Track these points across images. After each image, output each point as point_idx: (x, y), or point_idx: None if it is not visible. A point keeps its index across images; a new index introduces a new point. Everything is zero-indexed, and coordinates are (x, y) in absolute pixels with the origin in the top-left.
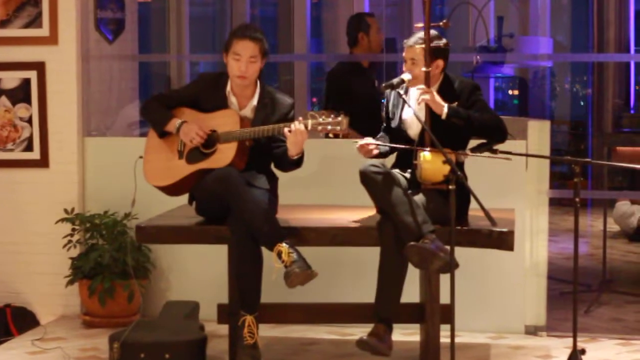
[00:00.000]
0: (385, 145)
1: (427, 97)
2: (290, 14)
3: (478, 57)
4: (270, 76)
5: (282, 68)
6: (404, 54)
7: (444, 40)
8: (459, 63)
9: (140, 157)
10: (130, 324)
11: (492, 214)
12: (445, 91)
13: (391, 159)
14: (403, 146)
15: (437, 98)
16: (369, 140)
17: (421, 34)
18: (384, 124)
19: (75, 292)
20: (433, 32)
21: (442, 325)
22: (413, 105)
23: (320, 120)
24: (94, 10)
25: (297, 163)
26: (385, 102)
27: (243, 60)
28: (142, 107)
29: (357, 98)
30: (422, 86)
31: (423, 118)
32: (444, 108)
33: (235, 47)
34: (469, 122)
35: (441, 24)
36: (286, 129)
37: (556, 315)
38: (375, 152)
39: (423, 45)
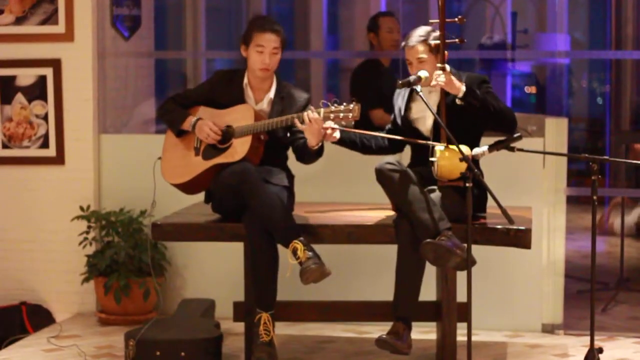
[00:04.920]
0: (347, 131)
1: (442, 80)
2: (307, 11)
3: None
4: (287, 73)
5: (299, 65)
6: (407, 57)
7: (437, 33)
8: (474, 60)
9: (159, 158)
10: (146, 322)
11: (509, 211)
12: None
13: (406, 157)
14: (368, 132)
15: (454, 79)
16: (330, 124)
17: (418, 31)
18: (389, 126)
19: (91, 289)
20: (426, 27)
21: (459, 323)
22: (430, 103)
23: (332, 108)
24: (110, 7)
25: (319, 153)
26: (395, 100)
27: (266, 53)
28: (158, 109)
29: (381, 97)
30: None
31: (437, 114)
32: (461, 88)
33: (258, 40)
34: (485, 105)
35: (456, 20)
36: (297, 121)
37: (573, 313)
38: (336, 136)
39: (426, 42)
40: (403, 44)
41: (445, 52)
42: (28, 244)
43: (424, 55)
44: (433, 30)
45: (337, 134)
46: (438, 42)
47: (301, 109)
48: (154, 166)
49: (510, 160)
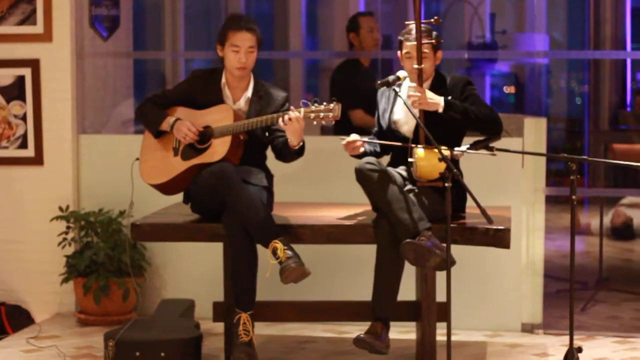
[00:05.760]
0: (373, 143)
1: (417, 99)
2: (286, 11)
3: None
4: (266, 73)
5: (278, 65)
6: (405, 51)
7: (434, 33)
8: (454, 60)
9: (137, 158)
10: (126, 322)
11: (488, 211)
12: (439, 86)
13: (386, 157)
14: (392, 142)
15: (431, 95)
16: (355, 137)
17: (423, 29)
18: (376, 128)
19: (70, 290)
20: (427, 26)
21: (439, 323)
22: (409, 103)
23: (313, 107)
24: (88, 7)
25: (299, 152)
26: (377, 103)
27: (242, 52)
28: (136, 110)
29: (360, 97)
30: (414, 84)
31: (417, 114)
32: (439, 103)
33: (233, 39)
34: (466, 115)
35: (432, 20)
36: (280, 121)
37: (553, 313)
38: (362, 149)
39: (425, 41)
40: (400, 38)
41: (440, 51)
42: (7, 244)
43: (427, 50)
44: (433, 30)
45: (362, 149)
46: (433, 42)
47: (279, 108)
48: (132, 167)
49: (490, 160)
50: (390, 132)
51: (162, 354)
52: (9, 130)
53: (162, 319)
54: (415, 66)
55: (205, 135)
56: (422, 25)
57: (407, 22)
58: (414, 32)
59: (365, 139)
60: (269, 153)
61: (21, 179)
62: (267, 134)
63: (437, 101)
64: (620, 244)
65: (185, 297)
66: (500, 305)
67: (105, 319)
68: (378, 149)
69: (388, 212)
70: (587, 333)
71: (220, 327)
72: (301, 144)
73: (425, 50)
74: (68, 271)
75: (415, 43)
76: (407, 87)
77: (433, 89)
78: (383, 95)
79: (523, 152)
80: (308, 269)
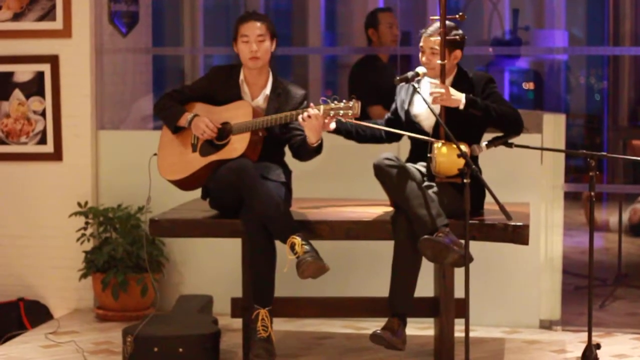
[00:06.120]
0: (348, 122)
1: (438, 95)
2: (305, 7)
3: (490, 49)
4: (285, 69)
5: (296, 61)
6: (421, 44)
7: (460, 31)
8: (473, 56)
9: (155, 154)
10: (144, 318)
11: (507, 208)
12: (460, 83)
13: (405, 152)
14: (372, 125)
15: (453, 91)
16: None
17: (438, 24)
18: (389, 115)
19: (89, 285)
20: (450, 23)
21: (457, 319)
22: (427, 99)
23: (333, 105)
24: (107, 3)
25: (317, 150)
26: (396, 96)
27: (252, 41)
28: (155, 105)
29: (379, 93)
30: (436, 81)
31: (437, 111)
32: (461, 100)
33: (242, 30)
34: (487, 113)
35: (457, 16)
36: (300, 118)
37: (571, 309)
38: (332, 126)
39: (435, 38)
40: (422, 31)
41: (458, 50)
42: (26, 240)
43: (438, 47)
44: (455, 28)
45: (333, 125)
46: (456, 38)
47: (298, 106)
48: (149, 161)
49: (508, 157)
50: (412, 125)
51: (180, 350)
52: (28, 126)
53: (180, 315)
54: (438, 62)
55: (224, 132)
56: (440, 21)
57: (432, 18)
58: (430, 28)
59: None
60: (287, 149)
61: (40, 175)
62: (283, 131)
63: (459, 98)
64: (639, 240)
65: (203, 293)
66: (519, 302)
67: (123, 314)
68: (353, 130)
69: (406, 208)
70: (606, 330)
71: (238, 323)
72: (320, 141)
73: (435, 47)
74: (87, 267)
75: (430, 37)
76: (426, 83)
77: (454, 85)
78: (402, 88)
79: (542, 149)
80: (327, 264)
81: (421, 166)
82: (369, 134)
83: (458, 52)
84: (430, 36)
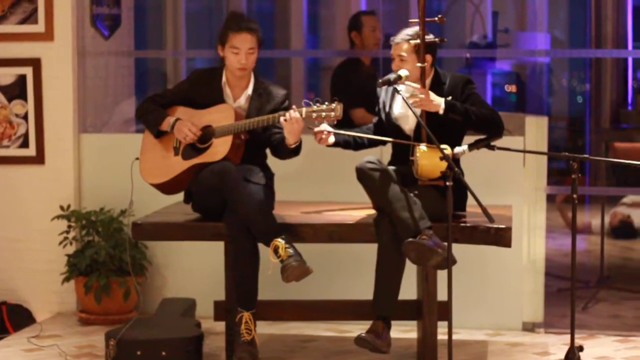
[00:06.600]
0: (340, 133)
1: (418, 100)
2: (287, 10)
3: (468, 54)
4: (267, 71)
5: (279, 63)
6: (391, 52)
7: (431, 35)
8: (454, 59)
9: (137, 158)
10: (127, 321)
11: (489, 210)
12: (437, 86)
13: (387, 156)
14: (364, 135)
15: (433, 96)
16: (325, 127)
17: (408, 30)
18: (375, 119)
19: (71, 289)
20: (415, 28)
21: (440, 322)
22: (410, 102)
23: (315, 107)
24: (89, 6)
25: (295, 151)
26: (379, 93)
27: (242, 53)
28: (137, 109)
29: (362, 96)
30: (417, 85)
31: (418, 113)
32: (440, 104)
33: (233, 41)
34: (467, 117)
35: (436, 19)
36: (282, 118)
37: (554, 312)
38: (331, 140)
39: (410, 41)
40: (391, 39)
41: (429, 54)
42: (8, 243)
43: (405, 54)
44: (426, 32)
45: (332, 139)
46: (418, 41)
47: (279, 105)
48: (132, 165)
49: (491, 159)
50: (393, 127)
51: (163, 353)
52: (10, 130)
53: (163, 318)
54: (418, 64)
55: (206, 135)
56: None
57: (410, 21)
58: (398, 35)
59: (330, 129)
60: (269, 151)
61: (22, 178)
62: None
63: (439, 102)
64: (621, 242)
65: (186, 296)
66: (502, 304)
67: (106, 318)
68: (351, 140)
69: (389, 211)
70: (589, 332)
71: (221, 326)
72: (298, 143)
73: (402, 53)
74: (69, 270)
75: (397, 45)
76: (406, 86)
77: (432, 87)
78: (382, 89)
79: (524, 151)
80: (310, 267)
81: (403, 169)
82: (366, 141)
83: (428, 57)
84: (397, 44)
